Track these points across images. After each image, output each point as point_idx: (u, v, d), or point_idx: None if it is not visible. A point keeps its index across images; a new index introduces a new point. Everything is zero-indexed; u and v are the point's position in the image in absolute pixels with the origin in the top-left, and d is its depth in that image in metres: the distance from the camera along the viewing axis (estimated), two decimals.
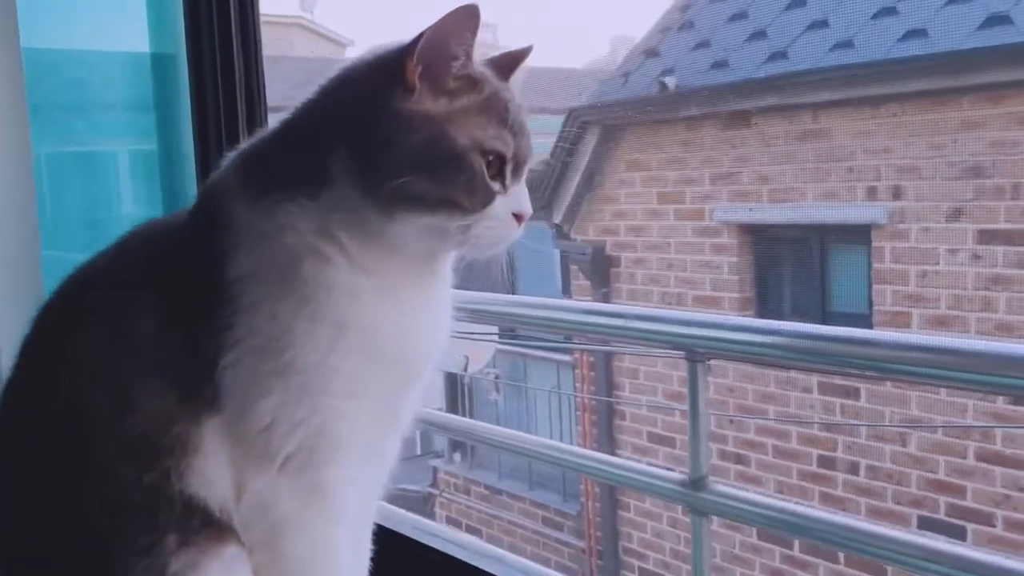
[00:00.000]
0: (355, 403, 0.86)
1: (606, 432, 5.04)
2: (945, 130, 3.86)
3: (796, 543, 4.20)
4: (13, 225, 1.38)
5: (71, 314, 0.91)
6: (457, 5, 0.79)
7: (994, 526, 3.72)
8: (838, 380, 4.22)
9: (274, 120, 0.96)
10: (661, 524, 4.87)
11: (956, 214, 3.87)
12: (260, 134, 0.93)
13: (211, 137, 1.30)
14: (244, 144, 0.93)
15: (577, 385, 5.20)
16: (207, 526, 0.85)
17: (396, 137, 0.81)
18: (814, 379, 4.34)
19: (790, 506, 1.23)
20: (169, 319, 0.86)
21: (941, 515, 3.91)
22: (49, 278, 1.37)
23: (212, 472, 0.85)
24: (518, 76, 0.92)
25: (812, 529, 1.23)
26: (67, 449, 0.86)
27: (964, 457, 3.92)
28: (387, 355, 0.87)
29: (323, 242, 0.85)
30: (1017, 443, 3.71)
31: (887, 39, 3.99)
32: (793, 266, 4.61)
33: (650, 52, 4.80)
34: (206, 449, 0.85)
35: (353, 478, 0.88)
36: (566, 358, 5.36)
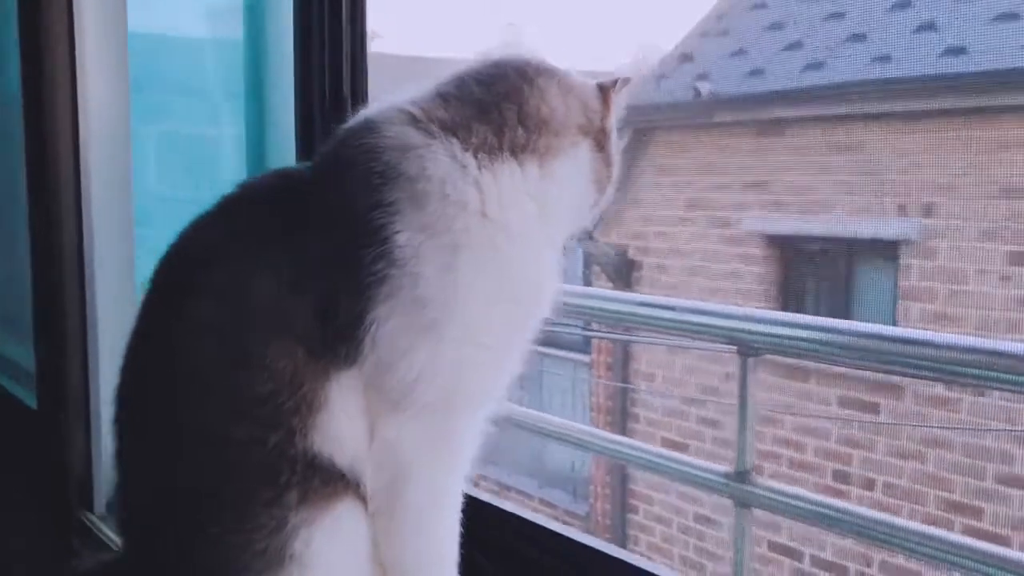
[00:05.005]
0: (496, 356, 0.89)
1: (620, 434, 5.04)
2: (981, 149, 3.84)
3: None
4: (113, 199, 1.46)
5: (191, 280, 0.90)
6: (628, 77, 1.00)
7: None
8: (862, 395, 4.21)
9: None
10: (671, 529, 4.87)
11: (988, 234, 3.86)
12: (434, 95, 0.93)
13: (316, 118, 1.28)
14: (416, 99, 0.93)
15: (593, 385, 5.21)
16: (325, 484, 0.86)
17: (610, 146, 0.98)
18: (834, 393, 4.34)
19: (832, 501, 1.24)
20: (297, 279, 0.86)
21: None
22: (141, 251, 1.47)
23: (339, 427, 0.86)
24: None
25: (851, 524, 1.24)
26: (192, 415, 0.87)
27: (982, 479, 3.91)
28: (533, 311, 0.91)
29: (529, 203, 0.89)
30: None
31: (927, 55, 3.97)
32: (818, 279, 4.60)
33: (685, 57, 4.80)
34: (332, 405, 0.86)
35: (475, 428, 0.91)
36: (583, 358, 5.37)
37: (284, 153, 1.39)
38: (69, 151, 1.44)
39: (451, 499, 0.91)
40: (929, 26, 4.01)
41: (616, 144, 0.99)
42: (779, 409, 4.43)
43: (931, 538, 1.19)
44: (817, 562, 4.27)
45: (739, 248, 4.65)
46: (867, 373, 4.15)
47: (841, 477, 4.27)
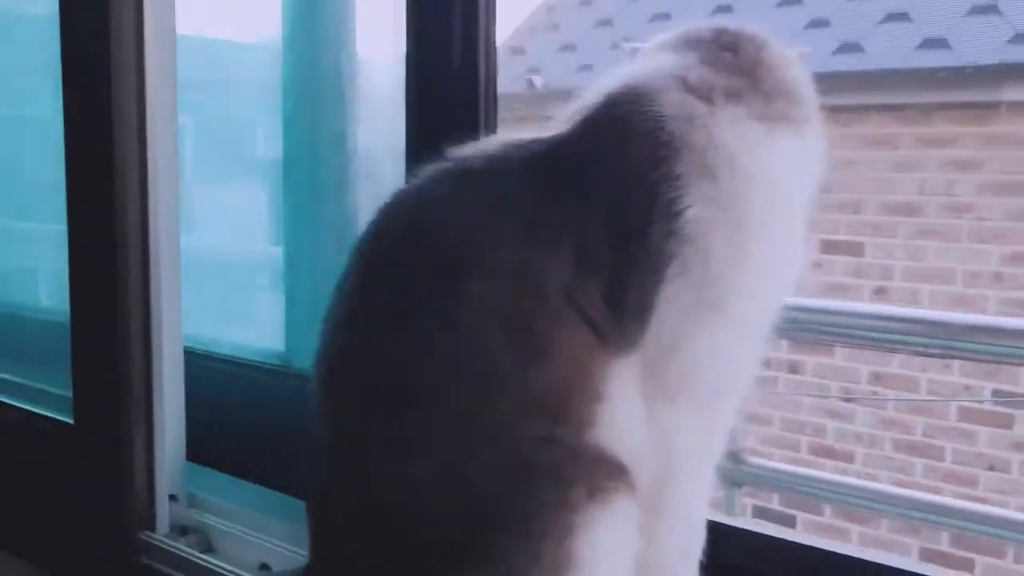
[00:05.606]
0: (759, 340, 0.85)
1: None
2: None
3: None
4: (167, 193, 1.39)
5: (462, 261, 0.80)
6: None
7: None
8: None
9: None
10: None
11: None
12: (697, 60, 0.86)
13: (439, 108, 1.13)
14: (682, 64, 0.86)
15: None
16: (608, 478, 0.78)
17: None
18: None
19: (817, 474, 1.30)
20: (584, 257, 0.78)
21: None
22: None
23: (620, 417, 0.79)
24: None
25: (837, 493, 1.31)
26: (476, 415, 0.77)
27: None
28: (787, 294, 0.87)
29: (798, 176, 0.86)
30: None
31: None
32: None
33: (516, 50, 4.86)
34: (614, 393, 0.78)
35: (732, 419, 0.86)
36: None
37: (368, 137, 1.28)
38: (135, 156, 1.33)
39: (710, 490, 0.88)
40: None
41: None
42: None
43: (917, 502, 1.28)
44: None
45: None
46: None
47: None
